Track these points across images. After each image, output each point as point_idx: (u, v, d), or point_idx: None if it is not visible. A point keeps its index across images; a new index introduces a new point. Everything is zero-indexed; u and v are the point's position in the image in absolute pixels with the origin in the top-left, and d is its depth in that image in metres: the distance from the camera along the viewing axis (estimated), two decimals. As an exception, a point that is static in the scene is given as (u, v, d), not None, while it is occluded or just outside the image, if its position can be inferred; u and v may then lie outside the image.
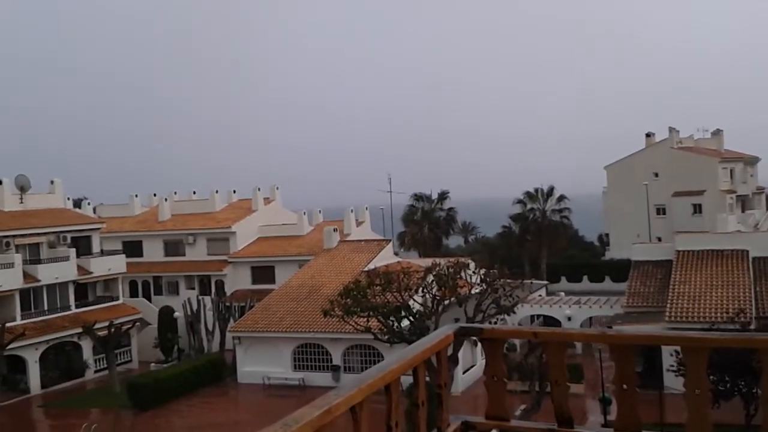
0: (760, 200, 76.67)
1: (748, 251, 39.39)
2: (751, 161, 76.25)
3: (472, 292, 33.28)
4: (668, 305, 36.71)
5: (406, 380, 3.78)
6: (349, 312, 32.55)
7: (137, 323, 49.92)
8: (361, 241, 53.16)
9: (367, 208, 62.45)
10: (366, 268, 43.24)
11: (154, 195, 65.36)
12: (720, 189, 67.06)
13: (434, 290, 32.64)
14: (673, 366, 26.74)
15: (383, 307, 32.28)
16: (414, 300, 33.04)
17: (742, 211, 68.56)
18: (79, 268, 48.64)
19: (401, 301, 32.20)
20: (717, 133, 75.29)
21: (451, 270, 32.83)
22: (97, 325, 44.72)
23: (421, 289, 33.22)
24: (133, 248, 57.82)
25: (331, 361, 41.36)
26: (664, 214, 68.03)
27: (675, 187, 67.30)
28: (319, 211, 62.33)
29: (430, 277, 33.27)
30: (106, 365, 45.50)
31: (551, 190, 71.22)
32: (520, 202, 72.19)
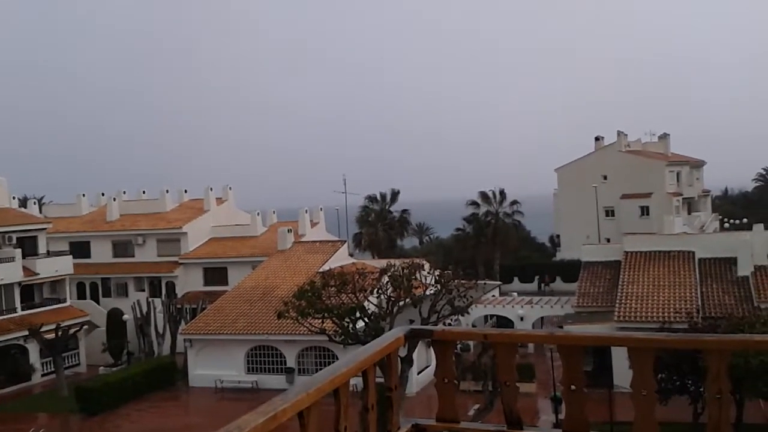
0: (705, 203, 78.86)
1: (694, 252, 40.41)
2: (697, 165, 78.37)
3: (427, 293, 33.39)
4: (617, 305, 37.43)
5: (360, 382, 3.74)
6: (304, 313, 32.33)
7: (85, 326, 48.80)
8: (315, 242, 52.94)
9: (321, 209, 62.25)
10: (321, 269, 43.03)
11: (102, 194, 63.97)
12: (667, 192, 68.73)
13: (389, 291, 32.65)
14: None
15: (338, 309, 32.15)
16: (369, 301, 32.99)
17: (689, 214, 70.42)
18: (25, 269, 47.32)
19: (356, 302, 32.12)
20: (664, 137, 77.14)
21: (405, 271, 32.88)
22: (44, 328, 43.60)
23: (376, 290, 33.20)
24: (80, 249, 56.51)
25: (286, 364, 41.07)
26: (613, 215, 69.45)
27: (623, 190, 68.75)
28: (273, 212, 61.89)
29: (385, 278, 33.27)
30: (53, 369, 44.33)
31: (503, 191, 72.13)
32: (473, 203, 72.91)
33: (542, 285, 65.44)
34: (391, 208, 76.89)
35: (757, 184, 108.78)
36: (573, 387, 4.09)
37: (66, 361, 45.88)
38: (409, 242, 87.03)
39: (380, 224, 75.07)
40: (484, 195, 72.42)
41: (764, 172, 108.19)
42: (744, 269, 38.57)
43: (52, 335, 43.34)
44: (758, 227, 41.70)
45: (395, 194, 77.18)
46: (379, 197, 76.82)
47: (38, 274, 48.49)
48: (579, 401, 4.11)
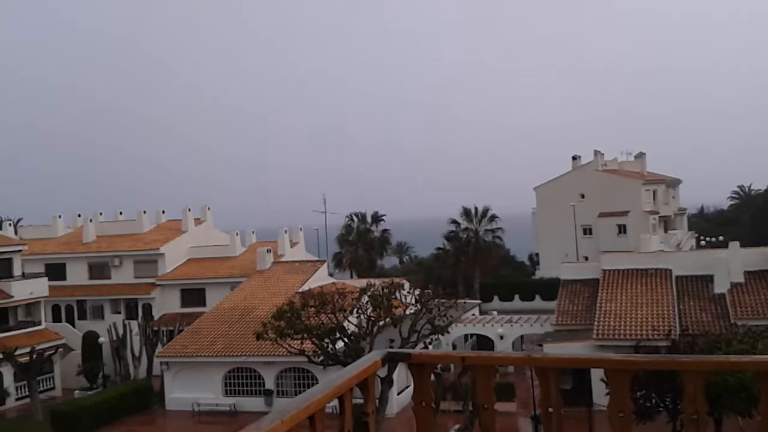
0: (681, 221, 79.78)
1: (671, 270, 40.77)
2: (673, 183, 79.40)
3: (407, 312, 33.34)
4: (595, 323, 37.59)
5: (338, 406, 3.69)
6: (283, 334, 32.11)
7: (60, 349, 48.03)
8: (295, 262, 52.69)
9: (301, 229, 62.07)
10: (300, 290, 42.82)
11: (79, 215, 63.31)
12: (643, 210, 69.49)
13: (369, 311, 32.56)
14: (603, 379, 27.28)
15: (317, 329, 31.98)
16: (349, 321, 32.86)
17: (665, 232, 71.21)
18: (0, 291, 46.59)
19: (336, 322, 31.97)
20: (640, 156, 78.15)
21: (386, 291, 32.84)
22: (18, 351, 42.80)
23: (355, 310, 33.08)
24: (56, 271, 55.80)
25: (264, 386, 40.65)
26: (591, 234, 70.00)
27: (600, 208, 69.38)
28: (253, 232, 61.60)
29: (365, 298, 33.19)
30: (27, 393, 43.52)
31: (486, 210, 72.38)
32: (454, 222, 73.11)
33: None
34: (372, 228, 76.92)
35: (732, 202, 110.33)
36: (550, 409, 4.07)
37: (41, 384, 45.07)
38: (389, 262, 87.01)
39: (361, 243, 75.00)
40: (466, 211, 72.57)
41: (739, 191, 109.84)
42: (721, 287, 38.98)
43: (26, 358, 42.58)
44: (734, 245, 42.19)
45: (378, 215, 77.26)
46: (360, 215, 76.83)
47: (13, 296, 47.75)
48: (557, 423, 4.09)
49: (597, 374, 33.28)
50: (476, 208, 72.69)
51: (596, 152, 73.94)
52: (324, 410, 3.42)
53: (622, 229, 68.67)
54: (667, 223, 74.04)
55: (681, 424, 25.93)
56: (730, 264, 39.80)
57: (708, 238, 76.39)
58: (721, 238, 71.52)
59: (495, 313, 54.82)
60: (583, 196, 70.61)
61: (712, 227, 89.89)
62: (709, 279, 39.63)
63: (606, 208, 69.22)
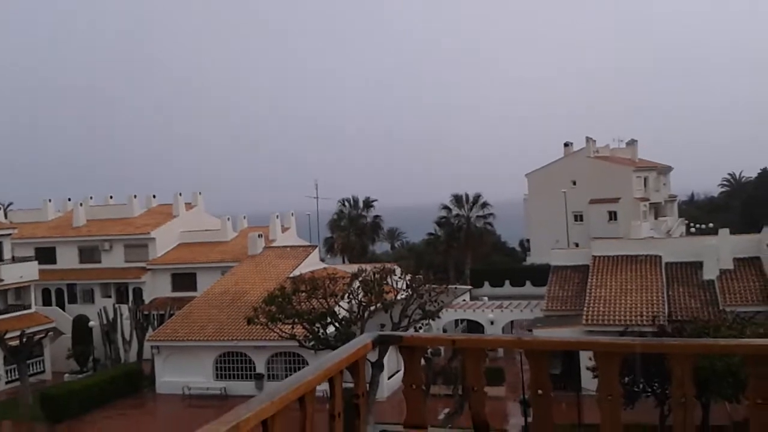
0: (672, 208, 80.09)
1: (661, 257, 40.98)
2: (664, 170, 79.62)
3: (398, 297, 33.41)
4: (585, 309, 37.79)
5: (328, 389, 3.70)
6: (274, 319, 32.13)
7: (50, 332, 47.94)
8: (286, 247, 52.65)
9: (293, 214, 61.98)
10: (291, 275, 42.81)
11: (69, 200, 63.01)
12: (634, 197, 69.68)
13: (360, 296, 32.60)
14: (590, 367, 27.45)
15: (308, 314, 32.01)
16: (340, 306, 32.90)
17: (655, 218, 71.46)
18: (-12, 275, 46.40)
19: (327, 307, 32.02)
20: (631, 143, 78.30)
21: (377, 276, 32.86)
22: (8, 335, 42.70)
23: (347, 295, 33.13)
24: (46, 255, 55.59)
25: (255, 370, 40.74)
26: (582, 220, 70.18)
27: (592, 195, 69.54)
28: (244, 217, 61.50)
29: (356, 283, 33.22)
30: (17, 376, 43.46)
31: (477, 196, 72.43)
32: (445, 207, 73.15)
33: None
34: (364, 213, 76.91)
35: (722, 190, 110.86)
36: (540, 392, 4.09)
37: (31, 368, 45.03)
38: (381, 247, 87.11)
39: (352, 229, 75.00)
40: (457, 198, 72.64)
41: (730, 178, 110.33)
42: (710, 273, 39.21)
43: (16, 342, 42.49)
44: (724, 232, 42.40)
45: (369, 200, 77.19)
46: (352, 201, 76.78)
47: (3, 280, 47.56)
48: (546, 406, 4.12)
49: (585, 359, 33.55)
50: (467, 195, 72.79)
51: (588, 139, 74.00)
52: (314, 392, 3.42)
53: (612, 215, 68.90)
54: (657, 210, 74.32)
55: (669, 409, 26.16)
56: (719, 251, 40.02)
57: (698, 225, 76.81)
58: (710, 225, 71.92)
59: (486, 298, 55.01)
60: (574, 183, 70.73)
61: (702, 214, 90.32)
62: (698, 266, 39.85)
63: (597, 195, 69.40)
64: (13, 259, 49.88)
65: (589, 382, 31.31)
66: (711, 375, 23.35)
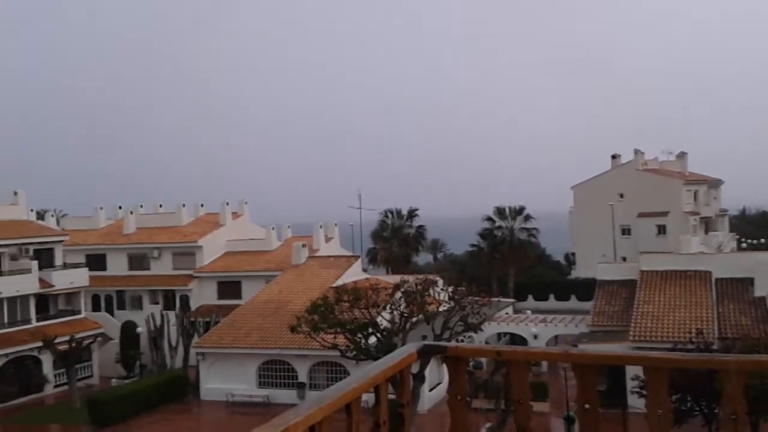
0: (723, 222, 78.20)
1: (710, 272, 40.03)
2: (715, 184, 77.82)
3: (440, 309, 33.28)
4: (632, 325, 37.10)
5: (373, 397, 3.72)
6: (316, 328, 32.32)
7: (99, 338, 49.01)
8: (329, 257, 52.97)
9: (336, 224, 62.33)
10: (334, 284, 43.04)
11: (120, 207, 64.48)
12: (684, 211, 68.28)
13: (402, 307, 32.59)
14: (635, 388, 26.91)
15: (351, 324, 32.12)
16: (382, 317, 32.93)
17: (706, 233, 69.82)
18: (41, 280, 47.70)
19: (369, 317, 32.08)
20: (681, 155, 76.78)
21: (419, 287, 32.82)
22: (58, 340, 43.82)
23: (389, 305, 33.14)
24: (96, 261, 56.89)
25: (297, 379, 40.99)
26: (629, 234, 69.01)
27: (640, 208, 68.35)
28: (288, 227, 62.10)
29: (399, 294, 33.22)
30: (66, 380, 44.52)
31: (521, 208, 71.88)
32: (489, 219, 72.74)
33: None
34: (406, 224, 76.89)
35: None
36: (587, 406, 4.04)
37: (79, 372, 46.05)
38: (423, 258, 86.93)
39: (395, 239, 75.05)
40: (500, 210, 72.23)
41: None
42: (761, 289, 38.16)
43: (65, 347, 43.56)
44: (776, 247, 41.27)
45: (412, 211, 77.22)
46: (395, 212, 76.87)
47: (54, 285, 48.84)
48: (593, 421, 4.07)
49: (630, 377, 32.88)
50: (510, 207, 72.28)
51: (636, 151, 72.85)
52: (360, 399, 3.45)
53: (661, 229, 67.60)
54: (708, 225, 72.65)
55: (717, 428, 25.49)
56: (772, 267, 38.91)
57: (749, 240, 74.75)
58: (762, 240, 69.98)
59: (529, 312, 54.45)
60: (622, 196, 69.64)
61: (754, 229, 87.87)
62: (749, 282, 38.83)
63: (645, 208, 68.17)
64: (65, 266, 51.15)
65: (635, 400, 30.73)
66: (761, 394, 22.70)
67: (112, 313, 55.55)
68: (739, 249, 70.24)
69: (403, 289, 33.03)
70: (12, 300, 45.73)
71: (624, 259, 60.11)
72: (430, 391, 36.93)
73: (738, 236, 77.82)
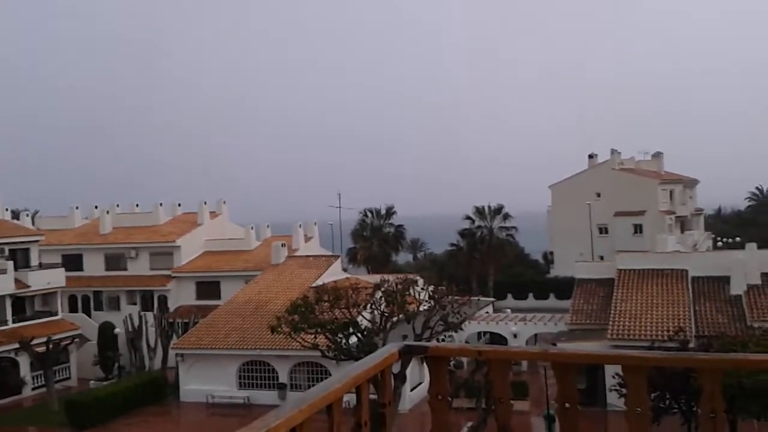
0: (698, 221, 79.12)
1: (687, 271, 40.49)
2: (690, 184, 78.75)
3: (421, 308, 33.34)
4: (610, 323, 37.41)
5: (354, 398, 3.71)
6: (297, 329, 32.23)
7: (76, 339, 48.52)
8: (309, 256, 52.83)
9: (315, 224, 62.20)
10: (314, 284, 42.93)
11: (96, 207, 63.80)
12: (660, 210, 68.98)
13: (382, 307, 32.60)
14: (615, 386, 27.14)
15: (331, 324, 32.07)
16: (362, 316, 32.92)
17: (681, 232, 70.58)
18: (17, 281, 47.10)
19: (349, 317, 32.05)
20: (657, 155, 77.55)
21: (399, 287, 32.85)
22: (35, 341, 43.30)
23: (369, 305, 33.14)
24: (73, 262, 56.27)
25: (278, 379, 40.85)
26: (607, 233, 69.61)
27: (616, 207, 68.97)
28: (267, 226, 61.84)
29: (379, 294, 33.22)
30: (44, 382, 44.00)
31: (500, 208, 72.24)
32: (468, 218, 73.01)
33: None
34: (386, 223, 76.99)
35: (749, 203, 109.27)
36: (567, 405, 4.07)
37: (57, 374, 45.52)
38: (403, 258, 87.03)
39: (375, 239, 75.08)
40: (479, 209, 72.52)
41: (757, 191, 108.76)
42: (737, 288, 38.65)
43: (43, 348, 43.05)
44: (751, 246, 41.81)
45: (390, 209, 77.32)
46: (374, 211, 76.93)
47: (30, 286, 48.24)
48: (573, 419, 4.09)
49: (611, 374, 33.18)
50: (489, 206, 72.61)
51: (613, 151, 73.50)
52: (341, 400, 3.44)
53: (638, 228, 68.23)
54: (683, 224, 73.46)
55: (696, 426, 25.78)
56: (746, 265, 39.45)
57: (725, 239, 75.69)
58: (738, 239, 70.85)
59: (509, 311, 54.69)
60: (599, 195, 70.22)
61: (729, 228, 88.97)
62: (725, 280, 39.31)
63: (622, 208, 68.80)
64: (41, 266, 50.56)
65: (614, 398, 31.00)
66: (738, 392, 23.00)
67: (89, 314, 54.98)
68: (715, 248, 71.08)
69: (383, 289, 33.04)
70: (-13, 301, 45.10)
71: (601, 257, 60.60)
72: (412, 390, 36.97)
73: (713, 235, 78.78)
